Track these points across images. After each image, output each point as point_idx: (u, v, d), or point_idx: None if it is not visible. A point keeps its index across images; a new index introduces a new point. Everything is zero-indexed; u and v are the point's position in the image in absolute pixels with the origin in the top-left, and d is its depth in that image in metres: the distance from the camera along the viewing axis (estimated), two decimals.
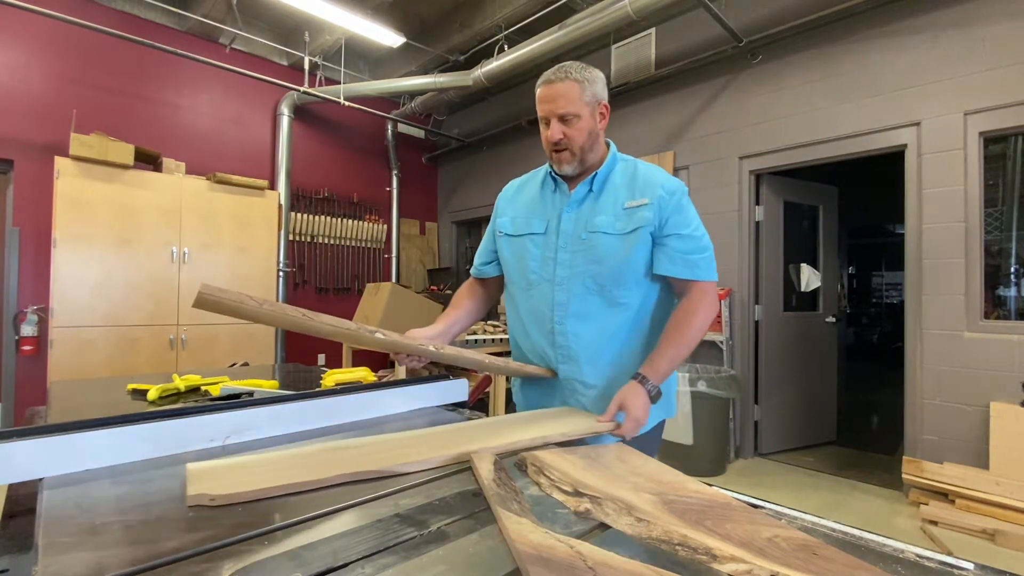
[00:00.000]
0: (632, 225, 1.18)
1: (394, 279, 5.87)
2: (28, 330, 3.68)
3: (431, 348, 1.09)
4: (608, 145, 1.28)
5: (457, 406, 1.35)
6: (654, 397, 1.10)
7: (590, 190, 1.24)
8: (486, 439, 0.93)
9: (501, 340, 3.82)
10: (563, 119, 1.17)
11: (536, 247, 1.27)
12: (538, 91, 1.20)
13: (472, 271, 1.47)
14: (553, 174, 1.27)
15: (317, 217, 5.29)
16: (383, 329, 1.05)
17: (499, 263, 1.39)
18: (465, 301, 1.40)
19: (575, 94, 1.16)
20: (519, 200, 1.35)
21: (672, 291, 1.26)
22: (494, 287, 1.46)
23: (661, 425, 1.31)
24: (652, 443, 1.28)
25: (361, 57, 5.34)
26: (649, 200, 1.19)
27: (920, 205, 3.03)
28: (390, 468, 0.80)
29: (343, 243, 5.52)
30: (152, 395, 1.34)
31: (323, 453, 0.85)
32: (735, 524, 0.62)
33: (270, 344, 4.47)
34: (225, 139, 4.74)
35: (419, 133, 6.21)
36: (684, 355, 1.15)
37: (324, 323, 0.94)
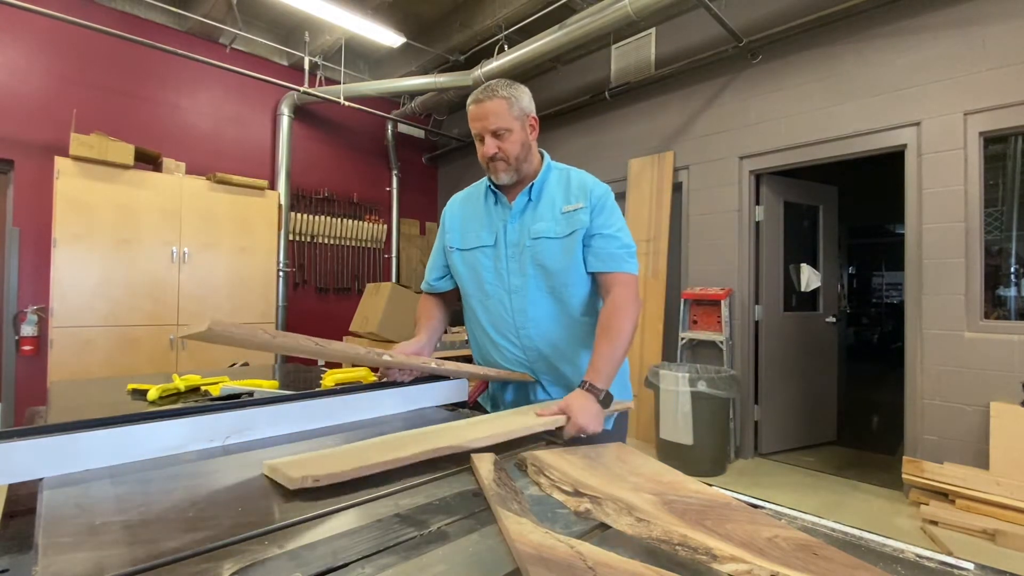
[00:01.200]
0: (570, 228, 1.27)
1: (394, 279, 5.87)
2: (28, 330, 3.68)
3: (433, 364, 1.20)
4: (542, 155, 1.36)
5: (457, 406, 1.35)
6: (603, 400, 1.12)
7: (529, 199, 1.31)
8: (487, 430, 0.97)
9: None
10: (495, 134, 1.24)
11: (487, 258, 1.33)
12: (469, 110, 1.27)
13: (424, 287, 1.52)
14: (492, 187, 1.34)
15: (317, 217, 5.29)
16: (389, 352, 1.16)
17: (451, 277, 1.46)
18: (435, 312, 1.49)
19: (504, 110, 1.24)
20: (465, 215, 1.40)
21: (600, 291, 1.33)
22: (452, 298, 1.53)
23: (626, 413, 1.36)
24: (620, 431, 1.35)
25: (361, 57, 5.34)
26: (584, 204, 1.28)
27: (920, 205, 3.03)
28: (461, 445, 0.87)
29: (343, 243, 5.52)
30: (152, 395, 1.34)
31: (396, 440, 0.91)
32: (735, 524, 0.62)
33: None
34: (225, 139, 4.74)
35: (419, 133, 6.21)
36: (621, 351, 1.19)
37: (337, 351, 1.00)
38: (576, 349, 1.32)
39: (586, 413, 1.06)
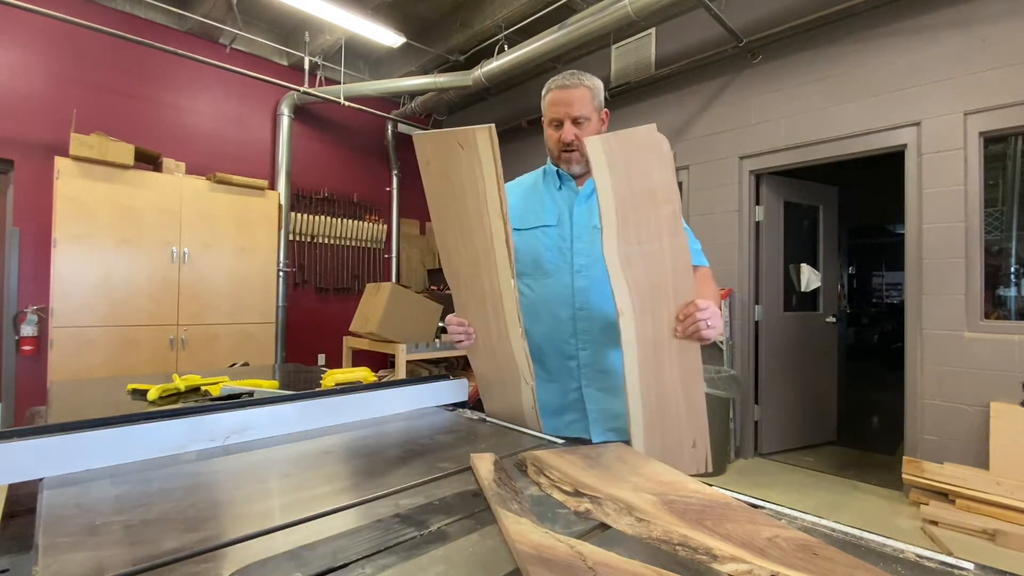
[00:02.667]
0: None
1: (394, 279, 5.87)
2: (28, 330, 3.68)
3: None
4: None
5: (457, 406, 1.35)
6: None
7: (594, 189, 1.28)
8: None
9: None
10: (576, 121, 1.25)
11: (549, 238, 1.31)
12: (551, 95, 1.27)
13: None
14: (558, 171, 1.33)
15: (317, 217, 5.29)
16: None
17: None
18: None
19: (588, 99, 1.25)
20: (522, 197, 1.38)
21: None
22: None
23: None
24: None
25: (361, 57, 5.34)
26: None
27: (920, 205, 3.03)
28: None
29: (343, 243, 5.52)
30: (152, 395, 1.34)
31: None
32: (735, 524, 0.62)
33: (270, 344, 4.47)
34: (225, 139, 4.75)
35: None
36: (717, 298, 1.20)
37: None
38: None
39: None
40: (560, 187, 1.34)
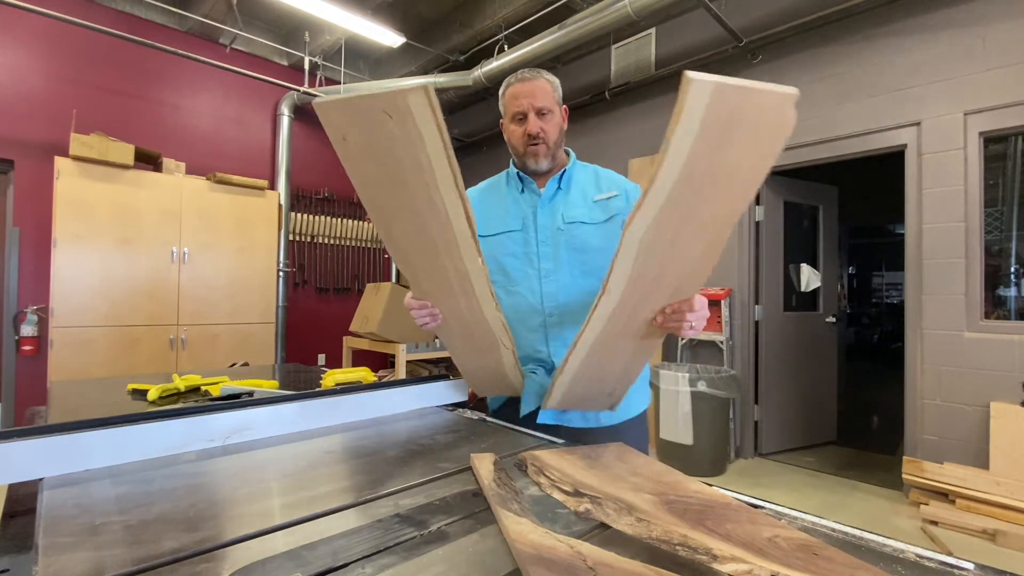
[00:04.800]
0: (607, 214, 1.24)
1: (394, 279, 5.87)
2: (28, 330, 3.68)
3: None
4: (567, 153, 1.35)
5: (457, 406, 1.35)
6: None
7: (559, 187, 1.28)
8: None
9: None
10: (540, 113, 1.22)
11: (514, 243, 1.28)
12: (511, 89, 1.25)
13: None
14: (520, 174, 1.30)
15: (317, 217, 5.29)
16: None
17: None
18: None
19: (549, 91, 1.24)
20: (486, 202, 1.35)
21: None
22: None
23: (644, 415, 1.34)
24: (642, 434, 1.33)
25: (361, 57, 5.34)
26: (618, 192, 1.27)
27: (920, 205, 3.03)
28: None
29: (343, 243, 5.52)
30: (152, 395, 1.34)
31: None
32: (735, 524, 0.62)
33: (270, 344, 4.47)
34: (225, 139, 4.75)
35: None
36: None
37: None
38: None
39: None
40: (523, 190, 1.31)
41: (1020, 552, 2.34)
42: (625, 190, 1.27)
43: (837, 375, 4.35)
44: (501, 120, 1.32)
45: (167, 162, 4.04)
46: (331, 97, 0.77)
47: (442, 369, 4.57)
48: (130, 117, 4.21)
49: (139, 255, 3.79)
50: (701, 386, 3.35)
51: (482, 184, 1.42)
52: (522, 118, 1.24)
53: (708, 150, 0.68)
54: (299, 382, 1.74)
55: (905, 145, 3.09)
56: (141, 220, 3.80)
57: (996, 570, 0.53)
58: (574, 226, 1.24)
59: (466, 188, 1.32)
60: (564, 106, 1.30)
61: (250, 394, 1.31)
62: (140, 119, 4.26)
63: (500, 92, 1.30)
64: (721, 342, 3.73)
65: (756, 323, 3.86)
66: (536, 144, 1.24)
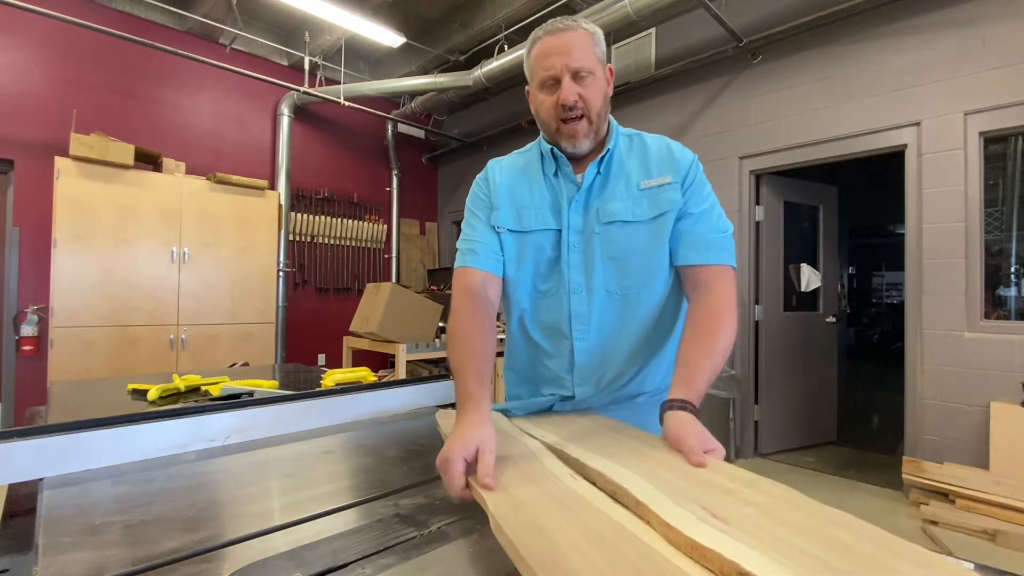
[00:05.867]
0: (657, 209, 0.96)
1: (394, 279, 5.87)
2: (28, 330, 3.68)
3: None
4: (609, 122, 1.03)
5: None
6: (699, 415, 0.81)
7: (598, 172, 0.99)
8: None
9: None
10: (578, 75, 0.92)
11: (551, 247, 1.01)
12: (539, 44, 0.95)
13: (476, 264, 1.00)
14: (553, 150, 1.00)
15: (317, 217, 5.29)
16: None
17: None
18: (487, 340, 0.90)
19: (589, 45, 0.93)
20: (519, 187, 1.05)
21: (680, 286, 1.01)
22: (497, 288, 1.03)
23: None
24: None
25: (361, 57, 5.34)
26: (671, 178, 0.97)
27: (920, 205, 3.02)
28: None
29: (343, 243, 5.52)
30: (152, 395, 1.34)
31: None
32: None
33: (270, 344, 4.47)
34: (225, 139, 4.74)
35: (419, 133, 6.21)
36: (719, 366, 0.86)
37: None
38: (636, 370, 1.03)
39: (710, 438, 0.73)
40: (555, 173, 1.01)
41: (1020, 552, 2.34)
42: (682, 174, 0.98)
43: (837, 375, 4.34)
44: (527, 88, 1.01)
45: (167, 162, 4.04)
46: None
47: (442, 369, 4.57)
48: (130, 117, 4.21)
49: (139, 255, 3.79)
50: None
51: (511, 157, 1.10)
52: (554, 84, 0.93)
53: None
54: (299, 382, 1.74)
55: (905, 145, 3.09)
56: (141, 220, 3.80)
57: (996, 570, 0.53)
58: (613, 227, 0.97)
59: (490, 161, 1.11)
60: (609, 65, 0.99)
61: (250, 394, 1.31)
62: (140, 119, 4.26)
63: (525, 52, 1.00)
64: None
65: (756, 323, 3.86)
66: (574, 119, 0.93)
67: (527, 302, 1.05)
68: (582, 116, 0.94)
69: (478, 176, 1.10)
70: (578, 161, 1.01)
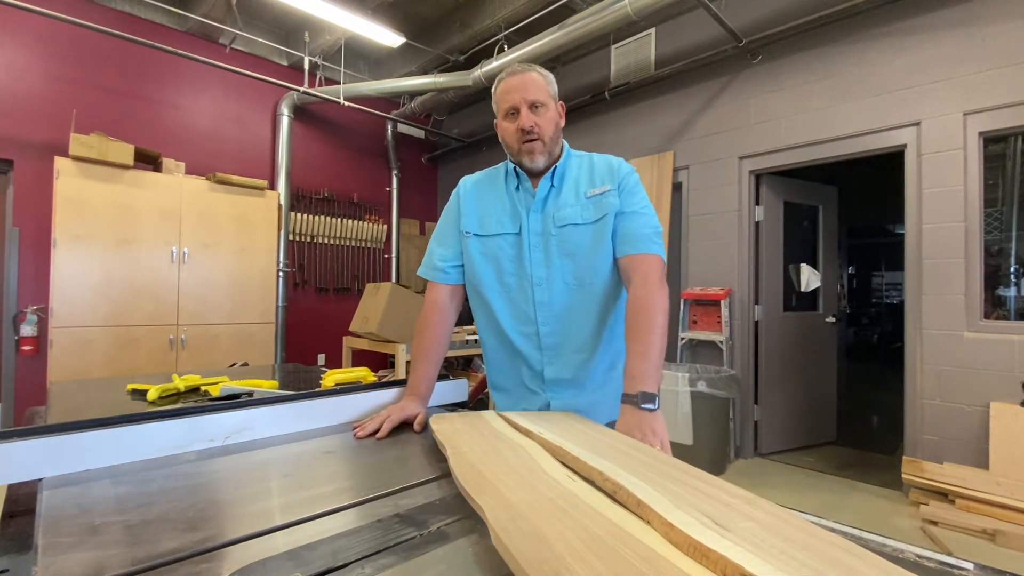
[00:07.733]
0: (599, 212, 1.19)
1: (394, 279, 5.87)
2: (28, 330, 3.68)
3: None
4: (562, 146, 1.27)
5: (457, 406, 1.35)
6: (652, 401, 0.97)
7: (551, 185, 1.22)
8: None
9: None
10: (533, 106, 1.16)
11: (510, 247, 1.23)
12: (502, 84, 1.19)
13: (432, 275, 1.30)
14: (516, 170, 1.24)
15: (317, 217, 5.29)
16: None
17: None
18: (443, 332, 1.28)
19: (542, 84, 1.18)
20: (483, 198, 1.28)
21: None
22: (460, 297, 1.32)
23: None
24: None
25: (361, 57, 5.34)
26: (611, 186, 1.20)
27: (920, 205, 3.03)
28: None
29: (343, 243, 5.52)
30: (152, 395, 1.34)
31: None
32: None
33: (270, 344, 4.47)
34: (225, 139, 4.74)
35: (419, 133, 6.21)
36: (657, 349, 1.03)
37: None
38: (595, 345, 1.23)
39: (662, 430, 0.93)
40: (517, 187, 1.24)
41: (1020, 552, 2.34)
42: (618, 182, 1.20)
43: (837, 375, 4.35)
44: (495, 120, 1.25)
45: (167, 162, 4.03)
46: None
47: (442, 369, 4.57)
48: (130, 117, 4.21)
49: (139, 255, 3.79)
50: (701, 386, 3.35)
51: (478, 175, 1.34)
52: (515, 113, 1.18)
53: None
54: (299, 382, 1.73)
55: (905, 145, 3.09)
56: (141, 220, 3.79)
57: (996, 570, 0.53)
58: (566, 230, 1.19)
59: (463, 177, 1.34)
60: (560, 102, 1.24)
61: (250, 394, 1.31)
62: (140, 119, 4.26)
63: (493, 90, 1.23)
64: (721, 342, 3.73)
65: (756, 323, 3.86)
66: (531, 140, 1.17)
67: (496, 299, 1.25)
68: (537, 138, 1.17)
69: (454, 189, 1.34)
70: (536, 176, 1.23)
